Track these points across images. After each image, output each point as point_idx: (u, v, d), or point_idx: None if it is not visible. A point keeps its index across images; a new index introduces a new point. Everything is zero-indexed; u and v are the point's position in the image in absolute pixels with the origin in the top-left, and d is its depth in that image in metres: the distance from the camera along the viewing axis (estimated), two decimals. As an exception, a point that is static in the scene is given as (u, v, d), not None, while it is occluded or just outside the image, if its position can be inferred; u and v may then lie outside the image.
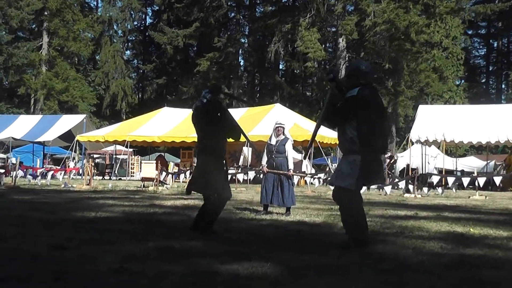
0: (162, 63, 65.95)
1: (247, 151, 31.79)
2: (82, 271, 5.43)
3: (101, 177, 36.11)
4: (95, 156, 45.63)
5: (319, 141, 27.75)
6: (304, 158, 11.44)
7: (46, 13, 57.95)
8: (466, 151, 51.42)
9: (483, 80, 73.67)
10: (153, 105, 51.13)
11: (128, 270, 5.48)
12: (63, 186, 23.60)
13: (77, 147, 37.49)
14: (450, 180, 24.18)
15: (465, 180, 24.25)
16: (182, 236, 8.03)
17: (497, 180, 24.71)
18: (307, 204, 15.05)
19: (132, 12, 68.27)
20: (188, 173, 26.82)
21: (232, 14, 64.22)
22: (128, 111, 63.84)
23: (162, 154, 43.78)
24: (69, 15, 57.19)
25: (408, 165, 30.59)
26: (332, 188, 7.93)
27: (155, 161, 29.08)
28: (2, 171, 27.84)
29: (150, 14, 75.62)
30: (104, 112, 63.52)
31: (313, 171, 30.37)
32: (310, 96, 65.02)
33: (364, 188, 8.72)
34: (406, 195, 21.43)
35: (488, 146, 33.66)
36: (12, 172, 26.84)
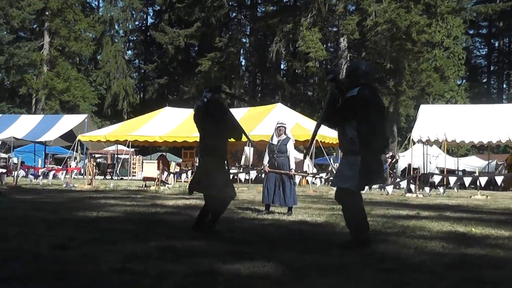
0: (164, 63, 65.95)
1: (248, 151, 31.78)
2: (83, 271, 5.43)
3: (102, 177, 36.11)
4: (96, 156, 45.64)
5: (320, 141, 27.75)
6: (304, 157, 11.43)
7: (47, 13, 58.00)
8: (468, 150, 51.39)
9: (485, 80, 73.58)
10: (155, 105, 51.14)
11: (129, 270, 5.48)
12: (64, 185, 23.62)
13: (79, 147, 37.54)
14: (452, 179, 24.16)
15: (467, 180, 24.20)
16: (184, 236, 8.03)
17: (499, 179, 24.70)
18: (309, 204, 15.05)
19: (133, 12, 68.27)
20: (189, 172, 26.83)
21: (234, 14, 64.21)
22: (130, 111, 63.85)
23: (164, 154, 43.81)
24: (71, 15, 57.20)
25: (409, 165, 30.57)
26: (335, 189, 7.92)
27: (156, 161, 29.13)
28: (4, 171, 27.85)
29: (151, 14, 75.75)
30: (106, 112, 63.53)
31: (314, 170, 30.35)
32: (312, 96, 64.98)
33: (366, 188, 8.70)
34: (408, 194, 21.43)
35: (489, 146, 33.61)
36: (13, 172, 26.84)
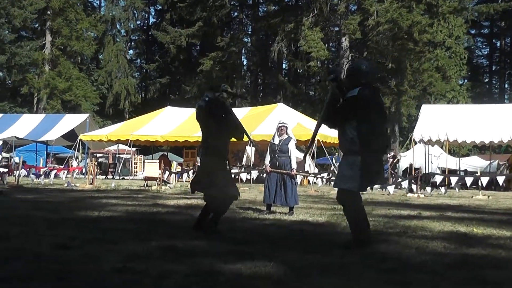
0: (165, 62, 66.00)
1: (250, 151, 31.78)
2: (85, 271, 5.43)
3: (104, 177, 36.13)
4: (98, 155, 45.70)
5: (322, 141, 27.75)
6: (304, 157, 11.45)
7: (49, 12, 58.04)
8: (469, 150, 51.36)
9: (486, 80, 73.51)
10: (156, 104, 51.15)
11: (131, 270, 5.48)
12: (66, 185, 23.63)
13: (80, 146, 37.52)
14: (453, 179, 24.19)
15: (468, 180, 24.23)
16: (185, 236, 8.03)
17: (500, 180, 24.70)
18: (310, 204, 15.05)
19: (135, 12, 68.36)
20: (191, 172, 26.85)
21: (235, 14, 64.22)
22: (131, 110, 63.90)
23: (165, 153, 43.92)
24: (72, 15, 57.26)
25: (411, 165, 30.51)
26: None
27: (158, 161, 29.12)
28: (5, 170, 27.86)
29: (153, 13, 75.84)
30: (107, 111, 63.60)
31: (316, 170, 30.35)
32: (313, 95, 65.01)
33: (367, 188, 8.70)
34: (409, 194, 21.43)
35: (491, 146, 33.62)
36: (15, 171, 26.86)
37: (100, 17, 64.73)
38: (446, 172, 29.52)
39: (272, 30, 56.72)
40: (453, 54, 55.17)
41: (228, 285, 5.02)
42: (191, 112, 35.92)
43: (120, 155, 40.10)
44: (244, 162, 32.08)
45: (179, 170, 30.61)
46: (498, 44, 72.14)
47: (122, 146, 39.97)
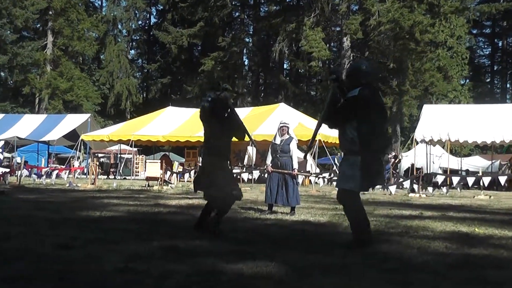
0: (167, 62, 66.02)
1: (251, 151, 31.78)
2: (87, 271, 5.44)
3: (105, 177, 36.15)
4: (99, 155, 45.72)
5: (323, 141, 27.76)
6: (304, 157, 11.48)
7: (50, 12, 58.04)
8: (471, 150, 51.31)
9: (488, 80, 73.46)
10: (158, 104, 51.15)
11: (133, 270, 5.49)
12: (67, 185, 23.63)
13: (82, 147, 37.51)
14: (455, 179, 24.19)
15: (470, 180, 24.23)
16: (186, 236, 8.03)
17: (502, 179, 24.69)
18: (312, 204, 15.05)
19: (136, 12, 68.34)
20: (192, 172, 26.85)
21: (237, 14, 64.19)
22: (133, 110, 63.94)
23: (167, 153, 43.91)
24: (74, 15, 57.27)
25: (412, 165, 30.53)
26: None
27: (159, 161, 29.12)
28: (7, 170, 27.87)
29: (154, 13, 75.87)
30: (109, 111, 63.63)
31: (317, 170, 30.34)
32: (315, 95, 65.01)
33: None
34: (411, 194, 21.41)
35: (493, 146, 33.62)
36: (17, 172, 26.87)
37: (102, 17, 64.78)
38: (448, 172, 29.51)
39: (274, 30, 56.74)
40: (455, 54, 55.11)
41: (229, 285, 5.02)
42: (193, 112, 35.97)
43: (122, 155, 40.12)
44: (245, 162, 32.11)
45: (181, 170, 30.61)
46: (500, 44, 72.02)
47: (123, 146, 39.99)
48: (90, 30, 61.04)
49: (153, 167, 26.72)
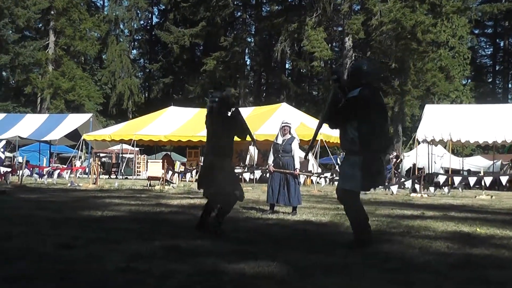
0: (169, 62, 66.02)
1: (253, 151, 31.80)
2: (88, 270, 5.44)
3: (107, 176, 36.18)
4: (101, 155, 45.72)
5: (325, 141, 27.75)
6: (305, 157, 11.50)
7: (52, 12, 58.00)
8: (473, 150, 51.32)
9: (490, 80, 73.40)
10: (160, 104, 51.19)
11: (134, 269, 5.49)
12: (69, 185, 23.64)
13: (84, 146, 37.54)
14: (457, 179, 24.17)
15: (472, 180, 24.19)
16: (188, 235, 8.04)
17: (504, 179, 24.67)
18: (314, 204, 15.05)
19: (138, 11, 68.32)
20: (194, 172, 26.84)
21: (239, 13, 64.13)
22: (135, 110, 63.92)
23: (169, 153, 43.92)
24: (76, 14, 57.24)
25: (414, 165, 30.53)
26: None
27: (161, 160, 29.10)
28: (9, 169, 27.89)
29: (156, 13, 75.78)
30: (111, 111, 63.61)
31: (319, 170, 30.34)
32: (317, 95, 65.01)
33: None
34: (413, 194, 21.40)
35: (494, 146, 33.61)
36: (18, 171, 26.90)
37: (104, 17, 64.72)
38: (450, 172, 29.50)
39: (276, 30, 56.71)
40: (457, 54, 55.11)
41: (231, 285, 5.02)
42: (195, 112, 36.03)
43: (123, 155, 40.12)
44: (247, 162, 32.12)
45: (182, 169, 30.59)
46: (502, 44, 71.91)
47: (125, 146, 40.01)
48: (92, 30, 60.99)
49: (155, 167, 26.70)
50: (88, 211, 11.60)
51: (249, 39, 63.71)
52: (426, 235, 8.72)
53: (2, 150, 32.08)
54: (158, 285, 4.96)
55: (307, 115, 35.99)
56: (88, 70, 64.64)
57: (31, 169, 28.24)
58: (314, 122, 32.49)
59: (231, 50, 56.13)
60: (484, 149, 44.63)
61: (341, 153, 38.65)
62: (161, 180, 23.43)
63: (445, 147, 33.48)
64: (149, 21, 75.12)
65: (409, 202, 17.56)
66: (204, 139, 9.03)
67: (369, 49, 50.91)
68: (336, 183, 16.68)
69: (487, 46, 74.35)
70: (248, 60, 66.29)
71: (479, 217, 12.08)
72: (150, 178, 25.40)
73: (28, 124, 40.40)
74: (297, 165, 12.38)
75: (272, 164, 12.44)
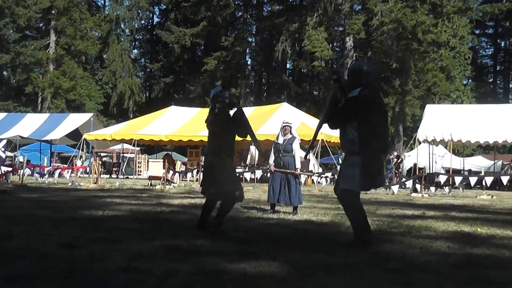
0: (170, 62, 66.06)
1: (254, 150, 31.81)
2: (90, 270, 5.44)
3: (108, 176, 36.15)
4: (102, 154, 45.71)
5: (326, 140, 27.75)
6: (305, 157, 11.51)
7: (53, 11, 58.05)
8: (474, 150, 51.32)
9: (491, 80, 73.36)
10: (160, 104, 51.21)
11: (135, 269, 5.50)
12: (70, 184, 23.64)
13: (84, 146, 37.57)
14: (458, 179, 24.17)
15: (473, 180, 24.19)
16: (189, 235, 8.04)
17: (505, 179, 24.67)
18: (314, 203, 15.05)
19: (139, 11, 68.32)
20: (195, 172, 26.85)
21: (240, 13, 64.13)
22: (135, 109, 63.93)
23: (169, 153, 43.93)
24: (77, 14, 57.28)
25: (415, 165, 30.53)
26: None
27: (162, 160, 29.13)
28: (10, 169, 27.90)
29: (157, 13, 75.75)
30: (111, 110, 63.60)
31: (320, 170, 30.34)
32: (317, 95, 64.99)
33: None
34: (413, 194, 21.41)
35: (495, 146, 33.61)
36: (19, 171, 26.90)
37: (105, 17, 64.74)
38: (450, 172, 29.50)
39: (276, 29, 56.68)
40: (458, 54, 55.11)
41: (232, 285, 5.02)
42: (195, 111, 36.06)
43: (124, 155, 40.11)
44: (248, 161, 32.12)
45: (183, 169, 30.60)
46: (503, 44, 71.89)
47: (126, 146, 40.01)
48: (93, 30, 61.04)
49: (156, 167, 26.78)
50: (89, 211, 11.60)
51: (250, 39, 63.72)
52: (427, 235, 8.72)
53: (3, 149, 32.11)
54: (159, 284, 4.96)
55: (308, 115, 35.98)
56: (89, 70, 64.68)
57: (32, 168, 28.23)
58: (315, 122, 32.47)
59: (232, 50, 56.13)
60: (485, 149, 44.64)
61: (342, 153, 38.76)
62: (162, 179, 23.44)
63: (446, 147, 33.47)
64: (150, 21, 75.14)
65: (410, 202, 17.56)
66: (205, 139, 9.03)
67: (370, 49, 50.88)
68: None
69: (488, 46, 74.43)
70: (249, 60, 66.36)
71: (480, 217, 12.09)
72: (151, 178, 25.40)
73: (29, 124, 40.43)
74: (298, 165, 12.39)
75: (273, 164, 12.44)
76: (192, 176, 27.83)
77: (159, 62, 66.33)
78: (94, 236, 7.69)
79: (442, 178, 24.66)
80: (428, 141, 29.88)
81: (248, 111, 34.13)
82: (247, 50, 63.01)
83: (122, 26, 68.42)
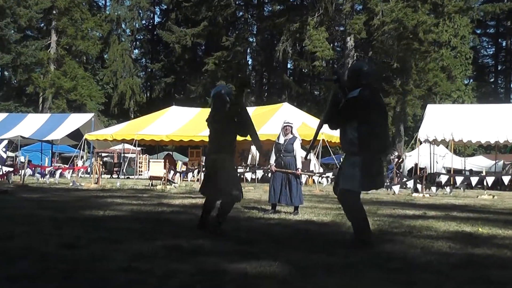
0: (170, 62, 66.05)
1: (255, 150, 31.79)
2: (91, 270, 5.45)
3: (109, 176, 36.14)
4: (103, 154, 45.71)
5: (327, 140, 27.76)
6: (305, 158, 11.50)
7: (54, 12, 58.09)
8: (475, 150, 51.31)
9: (492, 80, 73.31)
10: (161, 104, 51.19)
11: (136, 269, 5.50)
12: (71, 184, 23.65)
13: (86, 146, 37.59)
14: (459, 179, 24.13)
15: (474, 180, 24.17)
16: (190, 235, 8.04)
17: (506, 179, 24.65)
18: (315, 203, 15.05)
19: (140, 11, 68.33)
20: (196, 172, 26.84)
21: (240, 13, 64.20)
22: (136, 110, 63.95)
23: (170, 153, 43.90)
24: (78, 14, 57.33)
25: (416, 165, 30.53)
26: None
27: (163, 160, 29.12)
28: (11, 169, 27.94)
29: (158, 13, 75.80)
30: (112, 111, 63.62)
31: (321, 170, 30.34)
32: (318, 95, 64.96)
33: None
34: (415, 194, 21.41)
35: (496, 146, 33.58)
36: (20, 171, 26.92)
37: (106, 17, 64.77)
38: (451, 172, 29.49)
39: (277, 29, 56.71)
40: (459, 54, 55.08)
41: (233, 285, 5.02)
42: (196, 111, 36.06)
43: (125, 155, 40.13)
44: (249, 161, 32.11)
45: (184, 169, 30.59)
46: (504, 44, 71.89)
47: (127, 146, 40.02)
48: (94, 30, 61.10)
49: (157, 167, 26.77)
50: (90, 211, 11.61)
51: (250, 39, 63.79)
52: (428, 235, 8.72)
53: (4, 149, 32.17)
54: (160, 284, 4.97)
55: (309, 115, 35.98)
56: (90, 70, 64.67)
57: (33, 168, 28.25)
58: (316, 122, 32.45)
59: (232, 50, 56.16)
60: (486, 149, 44.61)
61: (343, 153, 38.76)
62: (163, 179, 23.45)
63: (447, 147, 33.44)
64: (151, 21, 75.17)
65: (411, 202, 17.56)
66: (206, 139, 9.01)
67: (371, 49, 50.87)
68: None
69: (489, 46, 74.36)
70: (250, 60, 66.36)
71: (481, 217, 12.08)
72: (152, 178, 25.41)
73: (30, 124, 40.46)
74: (299, 165, 12.38)
75: (274, 164, 12.44)
76: (193, 176, 27.81)
77: (160, 62, 66.36)
78: (95, 236, 7.70)
79: (443, 178, 24.65)
80: (429, 141, 29.86)
81: (249, 111, 33.96)
82: (248, 50, 63.08)
83: (123, 26, 68.44)
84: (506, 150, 42.02)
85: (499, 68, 73.37)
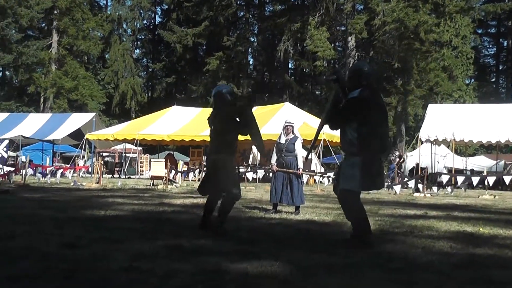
0: (172, 61, 66.10)
1: (256, 150, 31.79)
2: (92, 270, 5.45)
3: (110, 176, 36.13)
4: (104, 154, 45.76)
5: (328, 140, 27.75)
6: (306, 158, 11.50)
7: (55, 11, 58.13)
8: (476, 150, 51.24)
9: (493, 79, 73.23)
10: (162, 103, 51.20)
11: (137, 269, 5.50)
12: (72, 184, 23.64)
13: (87, 146, 37.57)
14: (460, 179, 24.13)
15: (475, 180, 24.16)
16: (191, 235, 8.04)
17: (507, 179, 24.64)
18: (316, 203, 15.05)
19: (141, 11, 68.39)
20: (197, 171, 26.84)
21: (242, 13, 64.21)
22: (138, 109, 63.97)
23: (172, 152, 43.90)
24: (79, 14, 57.39)
25: (417, 164, 30.46)
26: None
27: (164, 160, 29.12)
28: (12, 169, 27.93)
29: (159, 13, 75.82)
30: (114, 110, 63.65)
31: (322, 170, 30.33)
32: (319, 95, 64.95)
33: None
34: (416, 194, 21.40)
35: (498, 146, 33.56)
36: (21, 170, 26.92)
37: (107, 17, 64.84)
38: (453, 172, 29.45)
39: (278, 29, 56.73)
40: (460, 54, 55.02)
41: (234, 284, 5.02)
42: (197, 111, 36.05)
43: (127, 154, 40.11)
44: (250, 161, 32.11)
45: (185, 169, 30.60)
46: (505, 44, 71.82)
47: (128, 145, 39.99)
48: (95, 30, 61.17)
49: (158, 166, 26.76)
50: (91, 211, 11.61)
51: (252, 39, 63.81)
52: (429, 234, 8.72)
53: (5, 149, 32.17)
54: (161, 284, 4.97)
55: (310, 115, 35.97)
56: (91, 70, 64.74)
57: (34, 168, 28.27)
58: (317, 121, 32.40)
59: (234, 49, 56.19)
60: (487, 149, 44.58)
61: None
62: (164, 179, 23.45)
63: (448, 147, 33.44)
64: (152, 21, 75.24)
65: (412, 201, 17.55)
66: (207, 139, 9.01)
67: (372, 48, 50.87)
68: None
69: (491, 46, 74.28)
70: (251, 60, 66.44)
71: (482, 217, 12.08)
72: (153, 178, 25.40)
73: (31, 124, 40.45)
74: (300, 165, 12.37)
75: (275, 164, 12.44)
76: (194, 176, 27.82)
77: (161, 62, 66.42)
78: (96, 236, 7.70)
79: (445, 178, 24.67)
80: (430, 141, 29.83)
81: (250, 111, 34.15)
82: (249, 50, 63.13)
83: (124, 26, 68.50)
84: (507, 150, 42.01)
85: (500, 68, 73.32)
